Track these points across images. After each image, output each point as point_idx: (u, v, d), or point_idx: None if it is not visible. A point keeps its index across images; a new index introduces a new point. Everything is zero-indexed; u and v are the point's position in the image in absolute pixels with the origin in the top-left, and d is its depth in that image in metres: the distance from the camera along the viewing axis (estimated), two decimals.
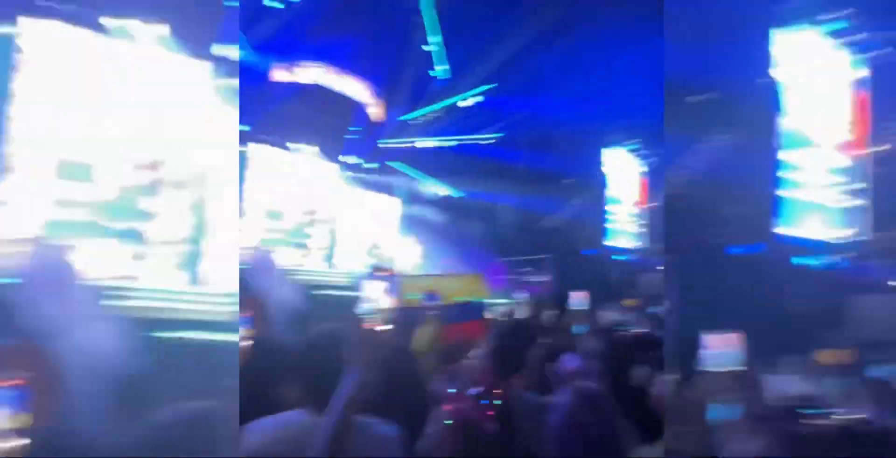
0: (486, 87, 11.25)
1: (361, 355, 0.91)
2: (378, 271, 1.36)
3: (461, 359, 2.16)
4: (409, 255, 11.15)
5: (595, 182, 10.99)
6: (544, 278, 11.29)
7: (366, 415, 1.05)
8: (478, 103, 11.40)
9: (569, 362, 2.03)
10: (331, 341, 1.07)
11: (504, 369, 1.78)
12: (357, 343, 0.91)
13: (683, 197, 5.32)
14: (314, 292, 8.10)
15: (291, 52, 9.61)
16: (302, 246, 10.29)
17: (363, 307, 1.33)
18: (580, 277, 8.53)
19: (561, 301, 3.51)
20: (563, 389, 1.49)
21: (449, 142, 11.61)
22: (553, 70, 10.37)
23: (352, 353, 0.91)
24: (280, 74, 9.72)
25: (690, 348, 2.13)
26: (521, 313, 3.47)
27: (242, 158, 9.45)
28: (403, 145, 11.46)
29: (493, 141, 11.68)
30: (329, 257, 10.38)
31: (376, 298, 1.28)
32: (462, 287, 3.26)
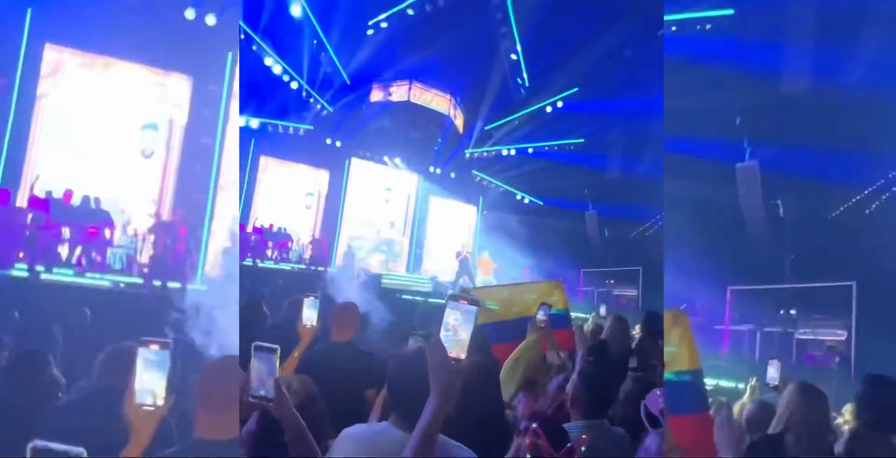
0: (568, 92, 10.97)
1: (443, 384, 0.92)
2: (460, 300, 1.25)
3: (546, 381, 1.98)
4: (491, 263, 11.07)
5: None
6: (632, 292, 10.41)
7: (448, 438, 1.08)
8: (561, 109, 11.14)
9: (657, 400, 1.70)
10: (410, 368, 1.10)
11: (594, 401, 1.64)
12: (439, 372, 0.92)
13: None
14: (402, 296, 8.52)
15: (384, 74, 10.35)
16: (390, 253, 10.82)
17: (444, 334, 1.22)
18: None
19: (654, 321, 3.03)
20: (654, 432, 1.33)
21: (532, 149, 11.46)
22: (642, 67, 9.73)
23: (434, 381, 0.93)
24: (377, 95, 10.51)
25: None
26: (608, 331, 3.05)
27: (344, 172, 10.37)
28: (488, 154, 11.57)
29: (574, 147, 11.27)
30: (416, 263, 10.74)
31: (457, 325, 1.19)
32: (540, 296, 2.93)
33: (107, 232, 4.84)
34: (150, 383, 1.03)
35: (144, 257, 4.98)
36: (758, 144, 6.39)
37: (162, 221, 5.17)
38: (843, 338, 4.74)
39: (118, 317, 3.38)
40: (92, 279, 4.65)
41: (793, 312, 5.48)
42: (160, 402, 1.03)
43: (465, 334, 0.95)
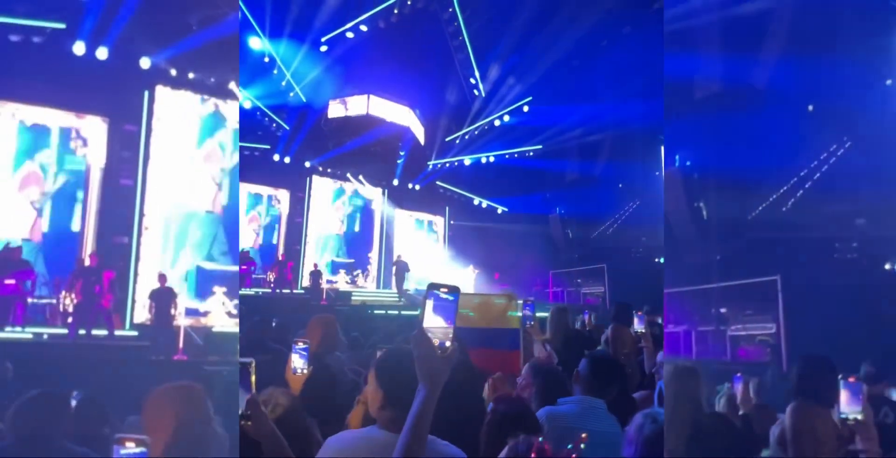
0: (523, 101, 11.30)
1: (431, 372, 0.92)
2: (440, 288, 1.22)
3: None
4: (460, 271, 11.13)
5: (654, 183, 10.21)
6: (599, 288, 10.70)
7: (435, 436, 1.07)
8: (518, 117, 11.45)
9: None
10: (401, 360, 1.09)
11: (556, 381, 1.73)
12: (426, 361, 0.92)
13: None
14: (373, 311, 8.41)
15: (341, 89, 10.30)
16: (360, 268, 10.68)
17: (425, 325, 1.20)
18: (647, 286, 7.84)
19: (623, 312, 3.13)
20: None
21: (492, 157, 11.68)
22: (597, 75, 10.09)
23: (421, 370, 0.92)
24: (334, 110, 10.42)
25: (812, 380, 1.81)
26: (551, 324, 2.94)
27: (305, 191, 10.18)
28: (450, 164, 11.68)
29: (533, 153, 11.59)
30: (386, 278, 10.62)
31: (439, 313, 1.17)
32: (503, 308, 2.77)
33: (27, 283, 4.50)
34: None
35: (68, 306, 4.66)
36: (678, 150, 6.75)
37: (84, 266, 4.83)
38: (772, 331, 5.02)
39: (44, 370, 3.17)
40: (12, 333, 4.33)
41: (723, 310, 5.78)
42: None
43: (448, 322, 0.93)
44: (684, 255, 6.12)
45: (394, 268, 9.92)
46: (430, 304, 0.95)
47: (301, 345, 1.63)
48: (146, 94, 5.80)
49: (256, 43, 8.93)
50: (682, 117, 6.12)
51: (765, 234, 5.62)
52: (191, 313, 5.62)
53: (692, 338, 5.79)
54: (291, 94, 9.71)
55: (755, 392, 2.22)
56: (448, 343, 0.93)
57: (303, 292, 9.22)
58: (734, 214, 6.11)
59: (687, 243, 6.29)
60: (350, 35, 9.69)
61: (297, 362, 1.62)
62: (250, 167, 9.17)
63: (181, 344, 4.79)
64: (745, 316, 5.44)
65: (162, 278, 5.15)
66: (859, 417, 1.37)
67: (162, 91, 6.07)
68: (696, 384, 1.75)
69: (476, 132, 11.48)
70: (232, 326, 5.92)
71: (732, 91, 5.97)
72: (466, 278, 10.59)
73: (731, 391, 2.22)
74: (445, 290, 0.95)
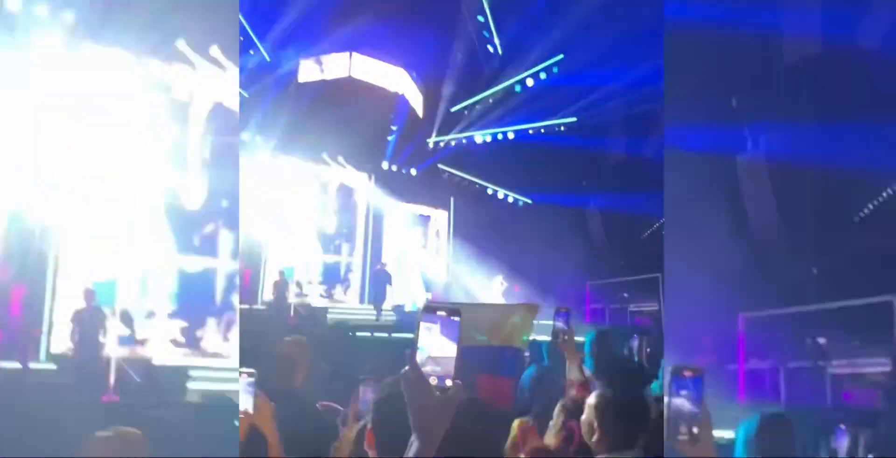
0: (552, 60, 11.09)
1: (425, 420, 0.93)
2: (437, 311, 1.18)
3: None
4: (470, 282, 11.08)
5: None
6: (652, 306, 10.61)
7: None
8: (545, 81, 11.27)
9: None
10: (394, 405, 1.10)
11: (623, 429, 1.72)
12: (420, 406, 0.92)
13: None
14: (355, 333, 8.35)
15: (316, 44, 10.12)
16: (337, 279, 10.64)
17: (419, 359, 1.17)
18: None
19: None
20: None
21: (513, 133, 11.51)
22: (647, 26, 9.86)
23: (414, 417, 0.93)
24: (307, 72, 10.27)
25: None
26: (593, 350, 2.96)
27: (270, 175, 10.08)
28: (457, 142, 11.55)
29: (565, 128, 11.42)
30: (369, 291, 10.58)
31: (436, 344, 1.14)
32: (524, 323, 3.00)
33: None
34: None
35: None
36: (762, 130, 6.50)
37: None
38: (887, 369, 4.81)
39: None
40: None
41: (822, 340, 5.61)
42: None
43: (450, 354, 0.92)
44: (770, 268, 5.96)
45: (373, 279, 9.65)
46: (425, 331, 0.92)
47: (247, 378, 1.62)
48: None
49: None
50: (768, 88, 5.84)
51: (876, 241, 5.46)
52: (125, 341, 5.60)
53: (780, 377, 5.65)
54: (251, 51, 9.60)
55: (865, 448, 2.18)
56: (449, 381, 0.90)
57: (264, 308, 9.23)
58: (836, 215, 5.95)
59: (774, 253, 6.11)
60: None
61: (245, 402, 1.62)
62: None
63: (112, 381, 4.77)
64: (852, 349, 5.26)
65: (88, 294, 5.11)
66: None
67: None
68: (788, 438, 1.71)
69: (491, 101, 11.26)
70: (178, 357, 5.89)
71: (834, 53, 5.74)
72: (493, 292, 10.51)
73: (834, 445, 2.19)
74: (444, 313, 0.92)
